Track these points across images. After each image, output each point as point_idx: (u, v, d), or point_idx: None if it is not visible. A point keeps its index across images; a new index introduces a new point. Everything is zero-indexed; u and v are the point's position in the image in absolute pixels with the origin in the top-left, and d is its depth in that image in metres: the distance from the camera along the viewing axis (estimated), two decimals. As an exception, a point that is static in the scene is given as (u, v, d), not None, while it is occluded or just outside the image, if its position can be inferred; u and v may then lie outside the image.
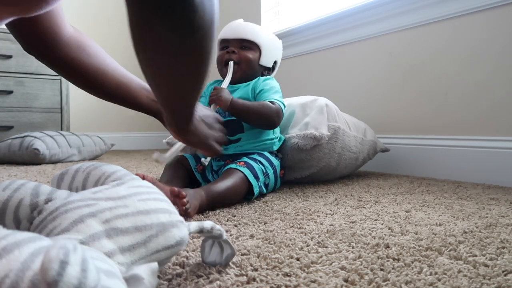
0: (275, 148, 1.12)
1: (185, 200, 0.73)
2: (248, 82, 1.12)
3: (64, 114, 2.49)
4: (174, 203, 0.71)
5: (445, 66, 1.40)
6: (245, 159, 1.00)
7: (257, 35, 1.13)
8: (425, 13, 1.45)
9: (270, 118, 1.03)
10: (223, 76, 1.12)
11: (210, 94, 1.00)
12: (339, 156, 1.21)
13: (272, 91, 1.08)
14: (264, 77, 1.13)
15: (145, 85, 0.92)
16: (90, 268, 0.23)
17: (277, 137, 1.13)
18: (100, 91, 0.87)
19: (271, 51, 1.16)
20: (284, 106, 1.09)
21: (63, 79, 2.48)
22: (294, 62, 2.08)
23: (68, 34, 0.81)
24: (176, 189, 0.74)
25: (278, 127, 1.13)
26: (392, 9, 1.55)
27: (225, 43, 1.14)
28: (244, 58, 1.11)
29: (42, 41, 0.77)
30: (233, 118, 1.06)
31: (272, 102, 1.05)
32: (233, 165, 0.96)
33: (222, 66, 1.13)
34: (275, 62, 1.19)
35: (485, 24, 1.29)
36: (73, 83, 0.87)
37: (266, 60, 1.15)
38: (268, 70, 1.18)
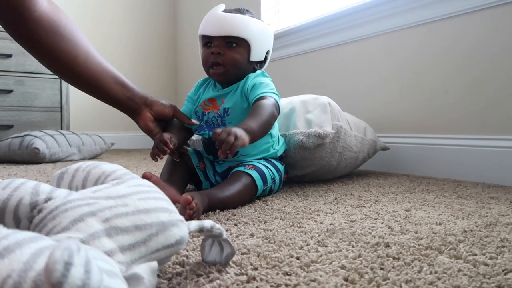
0: (279, 153, 1.09)
1: (194, 205, 0.70)
2: (238, 84, 1.01)
3: (64, 113, 2.49)
4: (183, 208, 0.70)
5: (445, 65, 1.40)
6: (255, 162, 0.98)
7: (245, 29, 0.97)
8: (426, 12, 1.45)
9: (274, 116, 0.93)
10: (210, 76, 1.03)
11: (219, 140, 0.72)
12: (340, 155, 1.21)
13: (262, 85, 0.97)
14: (254, 74, 1.01)
15: (122, 79, 0.88)
16: (94, 269, 0.24)
17: (275, 138, 1.08)
18: (70, 78, 0.81)
19: (262, 43, 1.02)
20: (278, 95, 0.99)
21: (63, 78, 2.48)
22: (294, 61, 2.08)
23: (41, 9, 0.73)
24: (189, 197, 0.69)
25: (277, 127, 1.09)
26: (393, 8, 1.55)
27: (207, 39, 0.99)
28: (230, 60, 0.97)
29: (8, 13, 0.69)
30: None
31: (264, 97, 0.93)
32: (241, 168, 0.93)
33: (208, 67, 1.00)
34: (267, 52, 1.06)
35: (485, 23, 1.29)
36: (44, 65, 0.80)
37: (257, 55, 1.01)
38: (260, 63, 1.06)
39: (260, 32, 1.00)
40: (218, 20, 0.97)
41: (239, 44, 0.98)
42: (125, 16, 3.17)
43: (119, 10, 3.14)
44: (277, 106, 0.94)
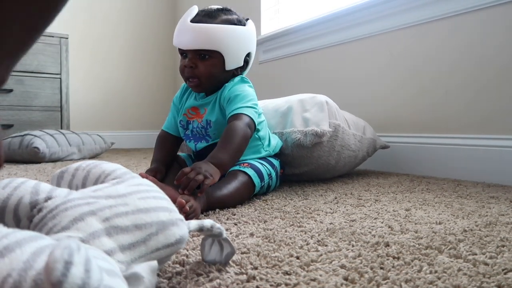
0: (274, 152, 1.08)
1: (187, 208, 0.70)
2: (216, 94, 0.99)
3: (64, 112, 2.49)
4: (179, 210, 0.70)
5: (445, 65, 1.40)
6: (250, 160, 0.98)
7: (216, 40, 0.92)
8: (425, 12, 1.45)
9: (247, 138, 0.90)
10: (189, 85, 1.00)
11: (187, 178, 0.74)
12: (338, 154, 1.21)
13: (237, 99, 0.94)
14: (231, 84, 0.98)
15: None
16: (94, 268, 0.24)
17: (264, 139, 1.05)
18: None
19: (238, 50, 0.97)
20: (255, 108, 0.96)
21: (63, 78, 2.48)
22: (294, 61, 2.08)
23: None
24: (183, 201, 0.69)
25: (265, 127, 1.07)
26: (393, 8, 1.55)
27: (182, 50, 0.97)
28: (203, 73, 0.94)
29: None
30: (215, 141, 0.98)
31: (237, 116, 0.91)
32: (236, 167, 0.94)
33: (185, 79, 0.98)
34: (248, 55, 1.01)
35: (484, 23, 1.29)
36: None
37: (232, 63, 0.97)
38: (241, 67, 1.02)
39: (234, 39, 0.95)
40: (188, 32, 0.93)
41: (212, 55, 0.94)
42: (124, 16, 3.17)
43: (118, 10, 3.14)
44: (250, 124, 0.92)
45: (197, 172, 0.75)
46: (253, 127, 0.94)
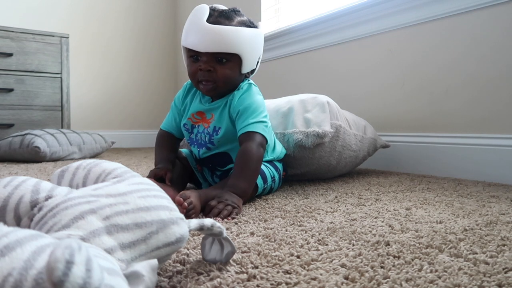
0: (278, 158, 1.08)
1: (186, 205, 0.71)
2: (225, 99, 0.95)
3: (64, 112, 2.49)
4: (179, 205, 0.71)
5: (445, 64, 1.40)
6: None
7: (236, 44, 0.88)
8: (425, 11, 1.44)
9: (261, 159, 0.89)
10: (199, 89, 0.96)
11: (214, 213, 0.74)
12: (340, 154, 1.21)
13: (249, 111, 0.91)
14: (240, 91, 0.95)
15: None
16: (95, 267, 0.24)
17: (269, 146, 1.03)
18: None
19: (254, 53, 0.93)
20: (265, 122, 0.93)
21: (64, 77, 2.49)
22: (294, 60, 2.08)
23: None
24: (181, 199, 0.71)
25: (272, 133, 1.06)
26: (392, 7, 1.55)
27: (194, 53, 0.90)
28: (221, 77, 0.90)
29: None
30: (221, 150, 0.98)
31: (249, 136, 0.89)
32: None
33: (197, 82, 0.93)
34: (259, 57, 0.98)
35: (484, 22, 1.28)
36: None
37: (249, 66, 0.94)
38: (252, 71, 0.99)
39: (251, 42, 0.91)
40: (206, 34, 0.86)
41: (230, 59, 0.90)
42: (125, 15, 3.17)
43: (119, 10, 3.14)
44: (263, 143, 0.90)
45: (225, 204, 0.76)
46: (265, 145, 0.92)
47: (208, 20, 0.87)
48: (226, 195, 0.79)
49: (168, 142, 1.04)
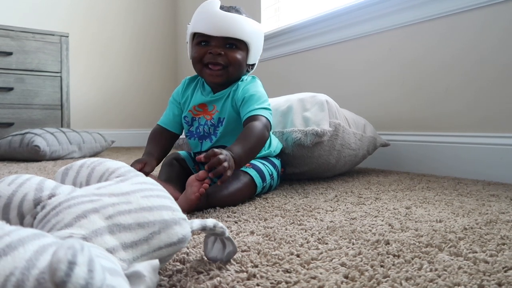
0: (275, 153, 1.08)
1: (207, 185, 0.76)
2: (228, 90, 0.97)
3: (64, 111, 2.49)
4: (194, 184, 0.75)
5: (445, 63, 1.40)
6: (251, 161, 0.98)
7: (246, 31, 0.93)
8: (424, 10, 1.44)
9: (264, 139, 0.89)
10: (202, 76, 0.99)
11: (208, 164, 0.75)
12: (339, 153, 1.21)
13: (254, 99, 0.94)
14: (244, 82, 0.98)
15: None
16: (97, 268, 0.24)
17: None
18: None
19: (259, 46, 0.99)
20: (270, 110, 0.96)
21: (64, 76, 2.49)
22: (294, 60, 2.08)
23: None
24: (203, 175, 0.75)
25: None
26: (392, 6, 1.55)
27: (204, 38, 0.93)
28: (233, 60, 0.93)
29: None
30: (219, 143, 0.98)
31: (255, 117, 0.90)
32: None
33: (202, 66, 0.95)
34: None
35: (483, 21, 1.28)
36: None
37: (253, 58, 0.99)
38: (252, 65, 1.03)
39: (257, 34, 0.97)
40: (218, 20, 0.91)
41: (239, 46, 0.94)
42: (125, 14, 3.16)
43: (118, 9, 3.14)
44: (268, 126, 0.92)
45: (225, 159, 0.74)
46: (269, 128, 0.93)
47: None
48: (224, 153, 0.77)
49: (161, 138, 1.03)
